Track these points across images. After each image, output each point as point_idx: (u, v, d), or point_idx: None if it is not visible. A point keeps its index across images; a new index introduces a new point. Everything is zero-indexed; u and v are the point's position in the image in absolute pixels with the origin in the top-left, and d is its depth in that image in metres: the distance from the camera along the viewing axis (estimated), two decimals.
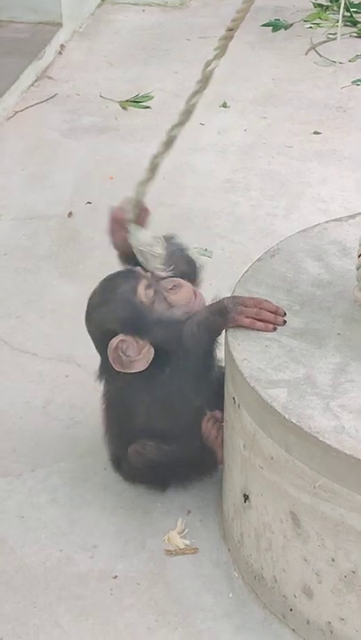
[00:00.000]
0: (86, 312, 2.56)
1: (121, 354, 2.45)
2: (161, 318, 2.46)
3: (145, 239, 2.49)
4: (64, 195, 4.19)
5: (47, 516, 2.71)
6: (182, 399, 2.52)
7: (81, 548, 2.61)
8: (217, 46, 2.22)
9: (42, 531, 2.66)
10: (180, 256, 2.58)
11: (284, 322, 2.37)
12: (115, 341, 2.44)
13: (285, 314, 2.38)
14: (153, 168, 2.41)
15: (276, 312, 2.37)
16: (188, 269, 2.59)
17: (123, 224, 2.50)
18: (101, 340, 2.50)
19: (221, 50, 2.21)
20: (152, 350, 2.46)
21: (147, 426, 2.61)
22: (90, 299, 2.56)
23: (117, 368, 2.46)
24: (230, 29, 2.18)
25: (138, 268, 2.52)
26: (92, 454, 2.88)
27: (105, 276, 2.56)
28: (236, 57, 5.37)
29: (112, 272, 2.57)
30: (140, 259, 2.50)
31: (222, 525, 2.65)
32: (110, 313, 2.49)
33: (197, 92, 2.29)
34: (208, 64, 2.23)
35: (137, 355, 2.46)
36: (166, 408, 2.54)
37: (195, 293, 2.51)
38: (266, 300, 2.38)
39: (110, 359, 2.45)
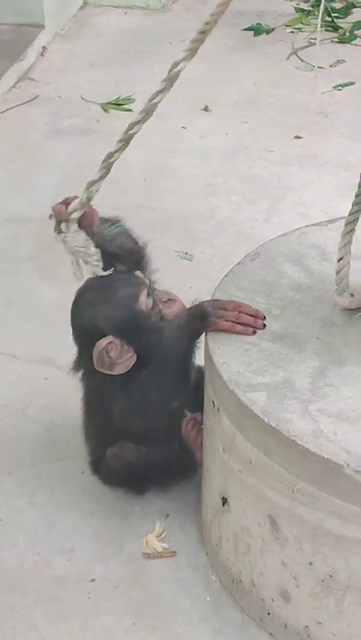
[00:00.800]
0: (76, 305, 2.54)
1: (105, 355, 2.45)
2: (153, 329, 2.47)
3: (79, 240, 2.45)
4: (45, 197, 4.16)
5: (25, 519, 2.70)
6: (161, 401, 2.52)
7: (58, 552, 2.61)
8: (187, 48, 2.19)
9: (19, 534, 2.66)
10: (125, 237, 2.58)
11: (264, 325, 2.38)
12: (104, 342, 2.44)
13: (265, 317, 2.39)
14: (106, 167, 2.35)
15: (256, 315, 2.38)
16: (133, 249, 2.59)
17: (60, 221, 2.45)
18: (87, 335, 2.49)
19: (191, 52, 2.18)
20: (135, 357, 2.46)
21: (125, 427, 2.60)
22: (83, 292, 2.54)
23: (97, 367, 2.46)
24: (202, 32, 2.16)
25: (138, 273, 2.52)
26: (70, 457, 2.87)
27: (104, 274, 2.51)
28: (218, 61, 5.37)
29: (111, 273, 2.53)
30: (72, 258, 2.46)
31: (201, 529, 2.65)
32: (108, 314, 2.47)
33: (161, 92, 2.26)
34: (175, 64, 2.21)
35: (119, 358, 2.46)
36: (144, 410, 2.53)
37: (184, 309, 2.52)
38: (245, 304, 2.39)
39: (94, 358, 2.45)
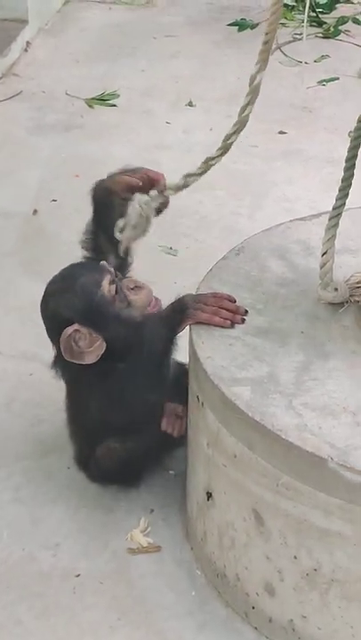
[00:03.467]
0: (43, 297, 2.55)
1: (73, 343, 2.44)
2: (119, 316, 2.47)
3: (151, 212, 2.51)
4: (29, 192, 4.18)
5: (10, 514, 2.70)
6: (139, 395, 2.51)
7: (43, 547, 2.60)
8: (257, 60, 2.34)
9: (4, 529, 2.65)
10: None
11: (243, 320, 2.37)
12: (69, 330, 2.44)
13: (247, 312, 2.39)
14: (205, 167, 2.51)
15: (236, 311, 2.38)
16: None
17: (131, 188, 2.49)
18: (56, 327, 2.49)
19: (263, 62, 2.32)
20: (104, 345, 2.46)
21: (106, 422, 2.60)
22: (49, 284, 2.55)
23: (67, 357, 2.46)
24: (265, 42, 2.27)
25: (103, 262, 2.52)
26: (55, 452, 2.87)
27: (66, 266, 2.56)
28: (203, 56, 5.38)
29: (75, 262, 2.57)
30: (131, 220, 2.47)
31: (185, 524, 2.65)
32: (70, 301, 2.47)
33: (247, 105, 2.40)
34: (253, 78, 2.36)
35: (88, 347, 2.45)
36: (122, 404, 2.53)
37: (154, 298, 2.52)
38: (227, 299, 2.39)
39: (62, 347, 2.45)
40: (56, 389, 2.78)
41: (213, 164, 2.44)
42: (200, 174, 2.48)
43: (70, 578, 2.53)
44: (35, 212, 4.04)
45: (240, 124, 2.40)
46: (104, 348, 2.46)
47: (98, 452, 2.67)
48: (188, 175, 2.48)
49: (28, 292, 3.53)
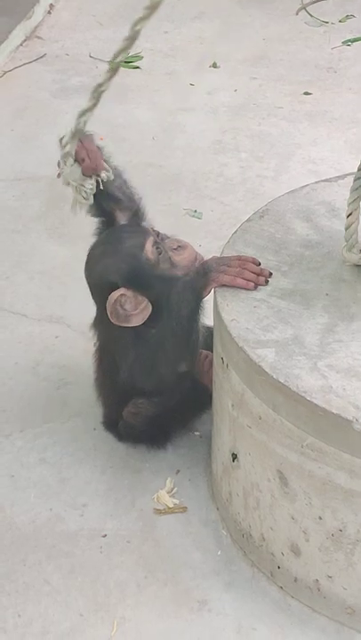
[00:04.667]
0: (87, 262, 2.56)
1: (119, 307, 2.45)
2: (163, 277, 2.47)
3: (75, 173, 2.49)
4: (53, 156, 4.15)
5: (37, 475, 2.72)
6: (167, 363, 2.53)
7: (70, 507, 2.63)
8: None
9: (31, 490, 2.68)
10: (123, 181, 2.59)
11: (267, 282, 2.37)
12: (115, 294, 2.44)
13: (271, 274, 2.39)
14: (96, 97, 2.35)
15: (260, 273, 2.38)
16: (132, 195, 2.60)
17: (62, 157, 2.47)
18: (101, 290, 2.49)
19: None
20: (150, 307, 2.46)
21: (137, 384, 2.61)
22: (93, 248, 2.56)
23: (114, 321, 2.46)
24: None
25: (145, 224, 2.52)
26: (81, 415, 2.89)
27: (111, 228, 2.56)
28: (226, 17, 5.34)
29: (118, 225, 2.58)
30: (73, 193, 2.50)
31: (211, 484, 2.67)
32: (115, 265, 2.48)
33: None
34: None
35: (135, 310, 2.46)
36: (151, 370, 2.54)
37: (199, 256, 2.52)
38: (251, 261, 2.39)
39: (108, 311, 2.45)
40: (81, 352, 2.80)
41: (104, 90, 2.34)
42: (92, 107, 2.38)
43: (97, 537, 2.55)
44: (59, 175, 4.03)
45: (131, 39, 2.25)
46: (150, 310, 2.47)
47: (126, 412, 2.69)
48: (80, 113, 2.40)
49: (53, 256, 3.55)
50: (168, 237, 2.55)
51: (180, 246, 2.52)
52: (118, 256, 2.48)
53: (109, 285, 2.46)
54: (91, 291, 2.55)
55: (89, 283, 2.55)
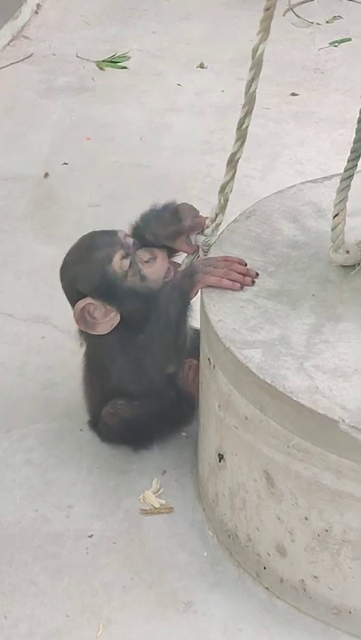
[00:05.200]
0: (61, 266, 2.58)
1: (87, 315, 2.48)
2: (131, 290, 2.49)
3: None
4: (40, 155, 4.17)
5: (22, 476, 2.72)
6: (156, 366, 2.53)
7: (56, 508, 2.63)
8: (259, 29, 2.22)
9: (17, 491, 2.67)
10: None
11: (253, 282, 2.37)
12: (81, 304, 2.48)
13: (257, 275, 2.39)
14: (233, 166, 2.46)
15: (247, 274, 2.38)
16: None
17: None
18: (72, 296, 2.53)
19: (264, 32, 2.22)
20: (118, 316, 2.49)
21: (124, 387, 2.61)
22: (68, 254, 2.58)
23: (80, 327, 2.51)
24: (267, 9, 2.18)
25: (120, 232, 2.53)
26: (67, 416, 2.88)
27: (86, 234, 2.58)
28: (214, 18, 5.33)
29: (94, 231, 2.59)
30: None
31: (197, 485, 2.66)
32: (82, 276, 2.51)
33: (253, 80, 2.32)
34: (255, 49, 2.24)
35: (102, 318, 2.49)
36: (140, 373, 2.54)
37: (170, 269, 2.52)
38: (238, 262, 2.39)
39: (75, 318, 2.49)
40: (68, 353, 2.80)
41: (238, 160, 2.43)
42: (231, 179, 2.46)
43: (83, 538, 2.55)
44: (46, 175, 4.03)
45: (249, 104, 2.34)
46: (118, 320, 2.49)
47: (104, 411, 2.69)
48: (222, 187, 2.49)
49: (40, 256, 3.54)
50: (142, 247, 2.55)
51: (152, 258, 2.52)
52: (86, 266, 2.51)
53: (78, 294, 2.50)
54: (65, 295, 2.58)
55: (62, 287, 2.58)
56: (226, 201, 2.49)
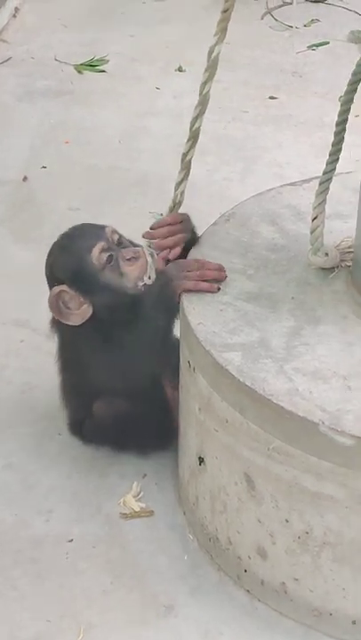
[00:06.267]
0: (48, 252, 2.60)
1: (61, 303, 2.50)
2: (107, 284, 2.49)
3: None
4: (19, 159, 4.15)
5: (2, 481, 2.71)
6: (139, 368, 2.53)
7: (36, 513, 2.62)
8: (216, 30, 2.21)
9: None
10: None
11: (225, 276, 2.39)
12: (56, 289, 2.50)
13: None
14: (186, 167, 2.43)
15: (220, 268, 2.40)
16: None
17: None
18: (51, 283, 2.55)
19: (221, 33, 2.21)
20: (90, 310, 2.50)
21: (104, 386, 2.61)
22: (54, 243, 2.60)
23: (53, 314, 2.52)
24: (225, 11, 2.18)
25: (108, 227, 2.55)
26: (47, 419, 2.87)
27: (76, 225, 2.62)
28: (192, 21, 5.33)
29: (84, 223, 2.64)
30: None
31: (178, 488, 2.66)
32: (61, 263, 2.54)
33: (207, 81, 2.29)
34: (211, 50, 2.23)
35: (76, 308, 2.50)
36: (124, 376, 2.54)
37: (147, 268, 2.50)
38: (208, 261, 2.41)
39: (48, 303, 2.50)
40: (47, 356, 2.79)
41: (190, 158, 2.40)
42: (184, 178, 2.46)
43: (63, 543, 2.54)
44: (24, 178, 4.02)
45: (202, 105, 2.34)
46: (90, 313, 2.50)
47: (97, 405, 2.67)
48: (177, 185, 2.47)
49: (19, 259, 3.53)
50: (128, 245, 2.55)
51: (135, 257, 2.52)
52: (67, 254, 2.54)
53: (56, 280, 2.52)
54: (47, 282, 2.59)
55: (45, 274, 2.59)
56: (180, 202, 2.49)
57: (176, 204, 2.49)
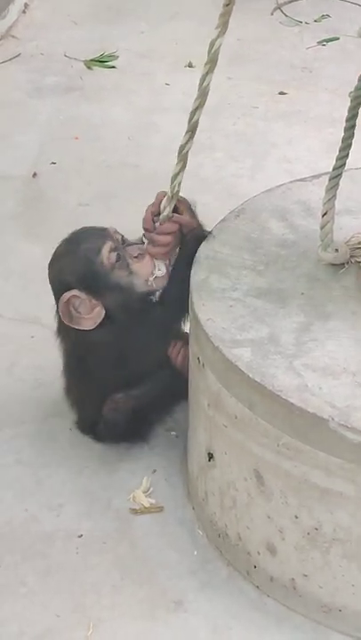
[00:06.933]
0: (50, 260, 2.57)
1: (72, 309, 2.47)
2: (118, 283, 2.49)
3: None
4: (28, 155, 4.16)
5: (12, 476, 2.71)
6: (146, 361, 2.54)
7: (46, 508, 2.62)
8: (218, 24, 2.21)
9: (7, 491, 2.67)
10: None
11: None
12: (67, 295, 2.47)
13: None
14: (182, 159, 2.42)
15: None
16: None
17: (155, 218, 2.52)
18: (58, 290, 2.52)
19: (223, 27, 2.20)
20: (103, 312, 2.48)
21: (113, 381, 2.62)
22: (56, 247, 2.58)
23: (65, 321, 2.49)
24: (227, 4, 2.17)
25: (110, 228, 2.53)
26: (57, 415, 2.88)
27: (76, 229, 2.58)
28: (202, 17, 5.31)
29: (84, 226, 2.60)
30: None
31: (187, 484, 2.66)
32: (69, 267, 2.51)
33: (207, 73, 2.29)
34: (212, 43, 2.22)
35: (87, 313, 2.48)
36: (130, 363, 2.55)
37: (154, 266, 2.52)
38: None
39: (59, 311, 2.48)
40: (57, 353, 2.79)
41: (187, 151, 2.40)
42: (181, 170, 2.45)
43: (73, 538, 2.55)
44: (34, 174, 4.02)
45: (201, 98, 2.33)
46: (103, 315, 2.48)
47: (105, 410, 2.68)
48: (173, 178, 2.47)
49: (29, 256, 3.53)
50: (133, 244, 2.55)
51: (141, 254, 2.52)
52: (74, 257, 2.51)
53: (64, 286, 2.48)
54: (52, 289, 2.57)
55: (49, 281, 2.57)
56: (176, 193, 2.48)
57: (173, 195, 2.47)
